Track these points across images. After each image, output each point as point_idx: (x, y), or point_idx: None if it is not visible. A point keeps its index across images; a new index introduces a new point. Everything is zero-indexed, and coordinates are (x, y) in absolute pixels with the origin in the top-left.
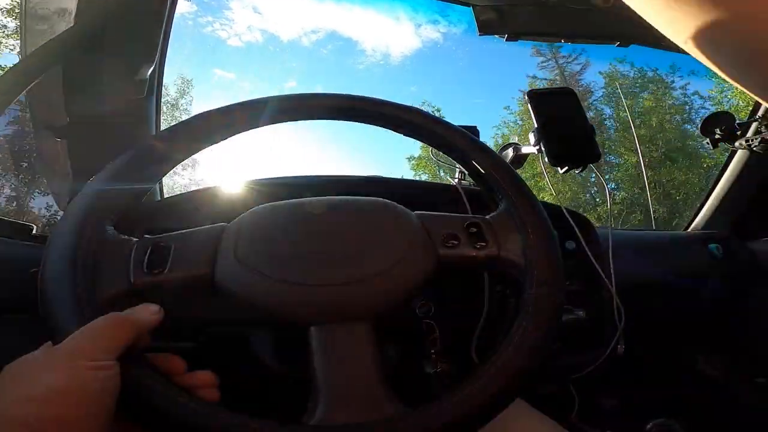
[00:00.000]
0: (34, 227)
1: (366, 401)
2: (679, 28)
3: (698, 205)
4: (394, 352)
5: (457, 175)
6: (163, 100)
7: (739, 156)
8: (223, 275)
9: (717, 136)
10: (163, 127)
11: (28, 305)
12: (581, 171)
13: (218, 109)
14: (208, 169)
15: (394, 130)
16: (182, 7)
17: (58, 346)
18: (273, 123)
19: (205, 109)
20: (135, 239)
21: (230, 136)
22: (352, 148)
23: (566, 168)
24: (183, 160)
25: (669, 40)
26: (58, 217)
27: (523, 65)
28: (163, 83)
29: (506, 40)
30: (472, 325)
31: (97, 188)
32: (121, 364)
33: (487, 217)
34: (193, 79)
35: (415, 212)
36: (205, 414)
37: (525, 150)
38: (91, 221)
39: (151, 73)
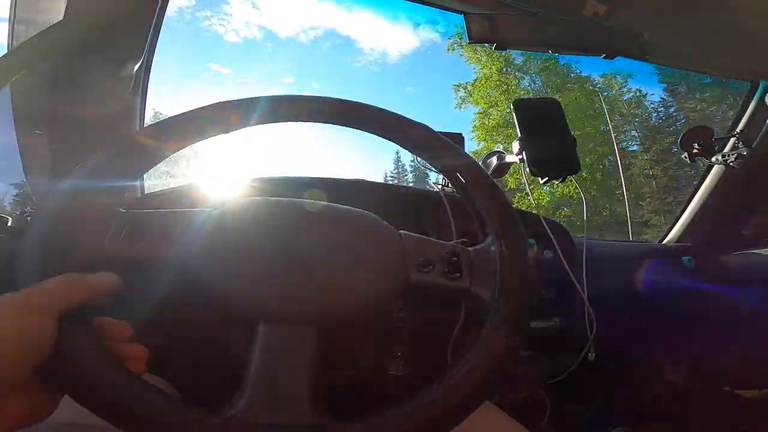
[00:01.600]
0: (10, 219)
1: (289, 405)
2: None
3: (674, 218)
4: (364, 353)
5: (441, 181)
6: None
7: (716, 171)
8: (189, 258)
9: (695, 151)
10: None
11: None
12: (561, 181)
13: (210, 106)
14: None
15: (385, 138)
16: (181, 1)
17: (9, 294)
18: (262, 123)
19: (198, 105)
20: (123, 210)
21: (222, 133)
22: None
23: (546, 178)
24: (171, 154)
25: (654, 53)
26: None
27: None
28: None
29: (495, 48)
30: (449, 329)
31: (100, 161)
32: (61, 320)
33: (470, 249)
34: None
35: (401, 231)
36: (123, 383)
37: (508, 159)
38: (86, 188)
39: (137, 70)
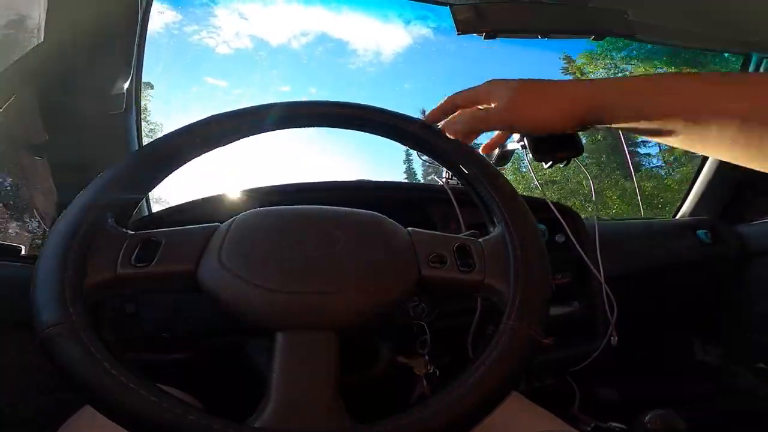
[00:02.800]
0: (23, 248)
1: (314, 412)
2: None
3: (685, 192)
4: (387, 353)
5: (444, 175)
6: None
7: None
8: (204, 274)
9: None
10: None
11: (20, 323)
12: (565, 165)
13: (212, 117)
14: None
15: (384, 136)
16: (166, 17)
17: None
18: (266, 131)
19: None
20: (131, 232)
21: (226, 144)
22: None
23: (550, 163)
24: (177, 168)
25: (641, 31)
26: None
27: (513, 56)
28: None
29: (485, 38)
30: (468, 323)
31: (105, 181)
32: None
33: (480, 240)
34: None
35: (408, 228)
36: (146, 394)
37: (510, 146)
38: (94, 210)
39: (128, 88)
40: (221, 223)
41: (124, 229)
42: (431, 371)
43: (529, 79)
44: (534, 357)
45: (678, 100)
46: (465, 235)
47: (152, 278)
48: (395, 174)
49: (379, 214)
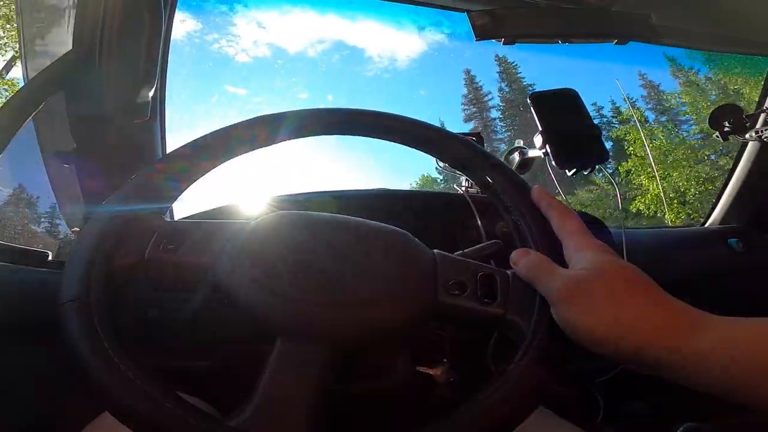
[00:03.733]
0: (50, 254)
1: (289, 421)
2: None
3: (714, 200)
4: (406, 362)
5: (464, 183)
6: None
7: (751, 148)
8: (222, 269)
9: (726, 129)
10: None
11: (48, 330)
12: (590, 173)
13: (240, 123)
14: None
15: (419, 149)
16: (187, 26)
17: None
18: (293, 138)
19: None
20: (168, 220)
21: (253, 150)
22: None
23: (574, 170)
24: (204, 174)
25: (665, 35)
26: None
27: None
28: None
29: (503, 44)
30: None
31: (137, 184)
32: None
33: (509, 271)
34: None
35: (434, 250)
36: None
37: (531, 154)
38: (129, 208)
39: (153, 96)
40: (247, 220)
41: (163, 217)
42: (452, 380)
43: (622, 283)
44: (542, 401)
45: None
46: (488, 245)
47: (176, 266)
48: (402, 173)
49: (406, 232)
